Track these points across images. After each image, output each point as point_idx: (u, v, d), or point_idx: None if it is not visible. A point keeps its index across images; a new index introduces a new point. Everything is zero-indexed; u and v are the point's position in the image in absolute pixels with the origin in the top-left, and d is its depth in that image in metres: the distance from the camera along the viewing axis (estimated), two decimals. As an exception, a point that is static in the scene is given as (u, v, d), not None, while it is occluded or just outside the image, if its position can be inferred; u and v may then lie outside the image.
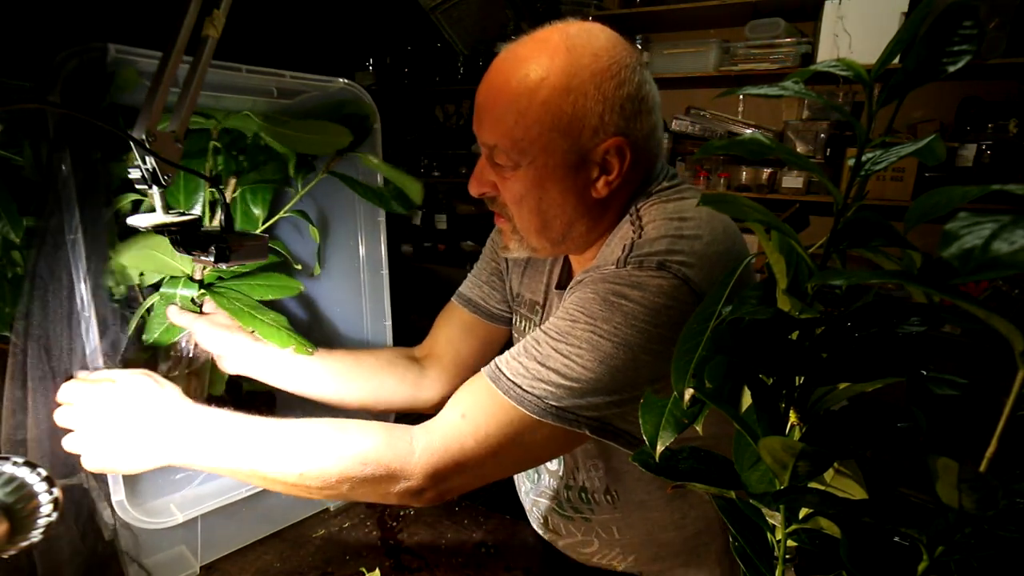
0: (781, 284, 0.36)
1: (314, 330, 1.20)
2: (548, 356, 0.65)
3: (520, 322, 0.93)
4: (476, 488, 0.73)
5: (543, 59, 0.67)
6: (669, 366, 0.64)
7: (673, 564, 0.86)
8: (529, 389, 0.64)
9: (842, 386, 0.38)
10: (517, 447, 0.67)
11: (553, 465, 0.89)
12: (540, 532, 0.95)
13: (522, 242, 0.78)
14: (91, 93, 0.68)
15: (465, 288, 1.00)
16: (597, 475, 0.83)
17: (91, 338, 0.69)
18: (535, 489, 0.93)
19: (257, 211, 0.92)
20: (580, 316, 0.65)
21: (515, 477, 1.00)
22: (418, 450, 0.67)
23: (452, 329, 0.99)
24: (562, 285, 0.86)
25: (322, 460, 0.66)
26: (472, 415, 0.67)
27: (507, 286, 0.96)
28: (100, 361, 0.70)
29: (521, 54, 0.69)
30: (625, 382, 0.64)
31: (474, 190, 0.77)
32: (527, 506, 0.97)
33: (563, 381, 0.63)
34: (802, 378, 0.38)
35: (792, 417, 0.39)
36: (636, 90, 0.69)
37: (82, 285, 0.68)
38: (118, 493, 0.73)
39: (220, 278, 0.91)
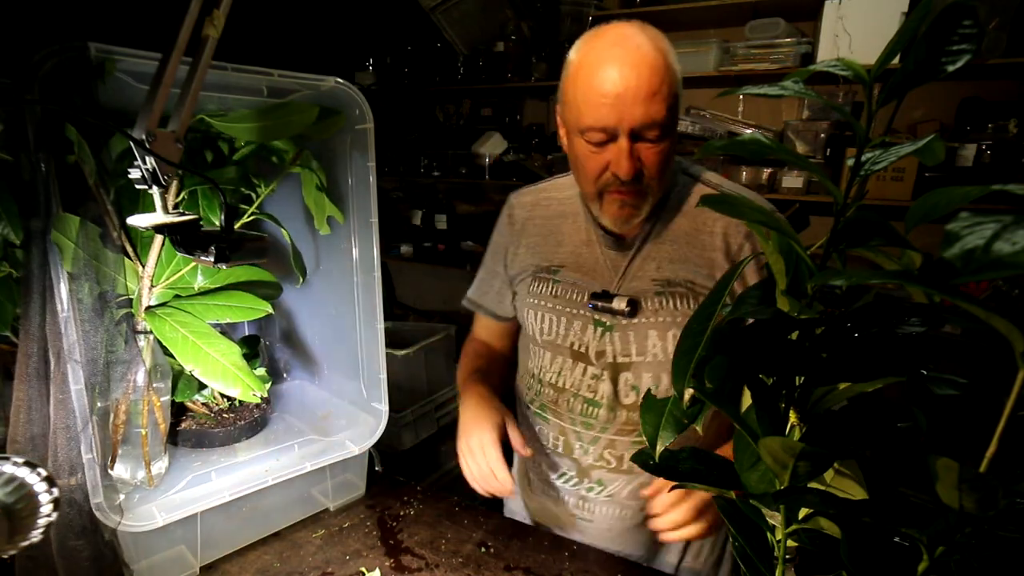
0: (780, 285, 0.36)
1: (307, 332, 1.20)
2: None
3: (538, 285, 1.01)
4: None
5: (658, 42, 0.80)
6: None
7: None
8: None
9: (842, 386, 0.38)
10: None
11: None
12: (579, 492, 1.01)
13: (644, 209, 0.88)
14: (72, 92, 0.67)
15: (491, 304, 1.11)
16: None
17: (69, 335, 0.69)
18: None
19: (212, 216, 0.87)
20: None
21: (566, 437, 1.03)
22: None
23: (494, 335, 1.17)
24: (611, 246, 0.95)
25: None
26: None
27: (508, 270, 1.06)
28: (78, 356, 0.70)
29: (640, 41, 0.79)
30: None
31: (631, 171, 0.82)
32: (581, 461, 1.00)
33: None
34: (802, 378, 0.38)
35: (792, 417, 0.39)
36: None
37: (61, 285, 0.68)
38: (96, 496, 0.73)
39: (178, 296, 0.86)
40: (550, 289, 0.99)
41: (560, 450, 1.01)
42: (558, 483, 1.03)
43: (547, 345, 1.00)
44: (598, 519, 1.00)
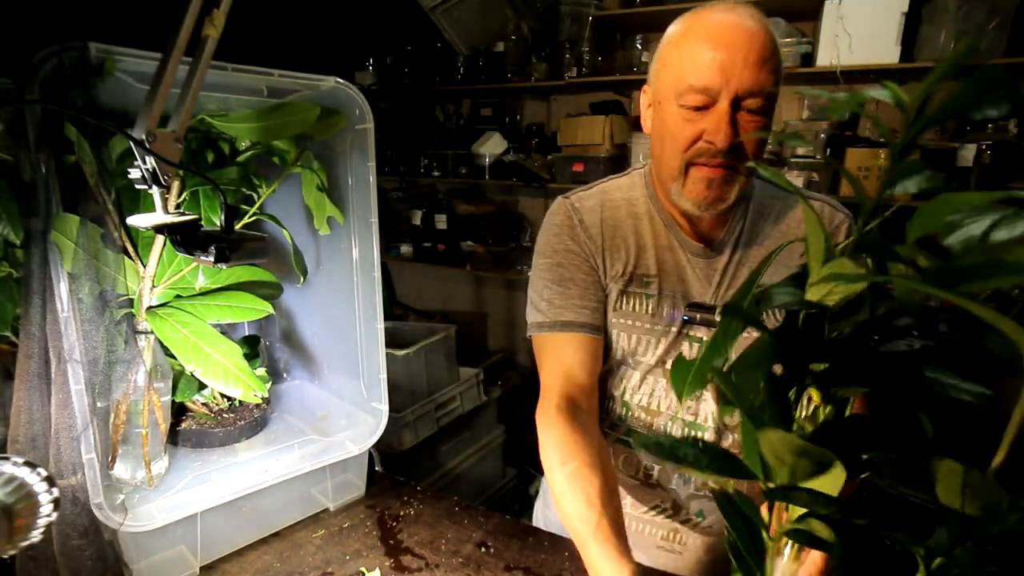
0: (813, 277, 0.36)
1: (307, 332, 1.20)
2: None
3: (628, 301, 0.88)
4: None
5: (767, 23, 0.76)
6: None
7: None
8: None
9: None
10: None
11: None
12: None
13: (730, 195, 0.80)
14: (72, 92, 0.67)
15: (581, 316, 0.87)
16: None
17: (69, 335, 0.69)
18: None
19: (213, 216, 0.87)
20: None
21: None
22: None
23: (585, 358, 0.87)
24: (697, 252, 0.87)
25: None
26: None
27: (604, 275, 0.89)
28: (78, 356, 0.70)
29: (752, 13, 0.76)
30: None
31: (729, 138, 0.75)
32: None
33: None
34: (823, 366, 0.37)
35: (815, 398, 0.38)
36: None
37: (61, 285, 0.69)
38: (96, 496, 0.73)
39: (179, 296, 0.85)
40: (644, 305, 0.88)
41: (653, 480, 0.91)
42: (646, 516, 0.93)
43: (637, 365, 0.90)
44: (690, 550, 0.92)
